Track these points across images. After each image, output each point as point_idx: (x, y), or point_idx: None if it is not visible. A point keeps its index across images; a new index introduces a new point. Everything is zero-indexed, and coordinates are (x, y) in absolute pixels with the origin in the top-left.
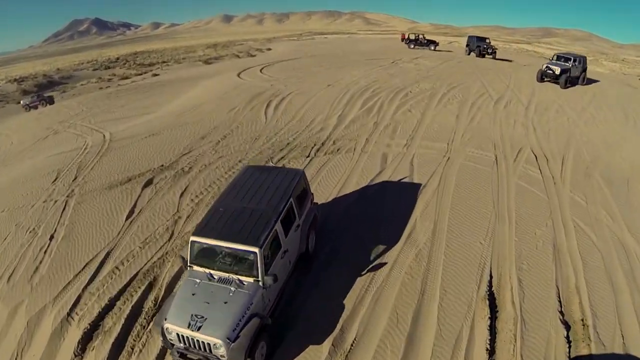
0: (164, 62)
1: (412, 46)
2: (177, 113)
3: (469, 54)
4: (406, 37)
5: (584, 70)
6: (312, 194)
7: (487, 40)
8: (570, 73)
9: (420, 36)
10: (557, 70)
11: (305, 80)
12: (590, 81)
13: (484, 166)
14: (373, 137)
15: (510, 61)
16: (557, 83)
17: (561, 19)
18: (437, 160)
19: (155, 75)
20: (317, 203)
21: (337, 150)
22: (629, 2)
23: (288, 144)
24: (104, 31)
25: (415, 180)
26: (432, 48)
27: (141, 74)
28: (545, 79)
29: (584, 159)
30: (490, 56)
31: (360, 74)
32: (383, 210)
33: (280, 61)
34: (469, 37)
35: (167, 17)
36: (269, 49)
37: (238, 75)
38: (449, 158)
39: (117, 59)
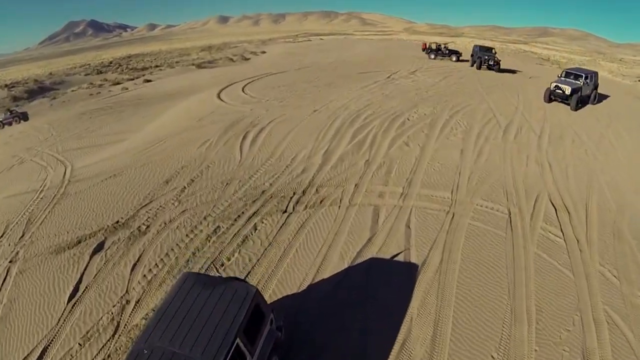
0: (156, 66)
1: (433, 57)
2: (145, 145)
3: (472, 65)
4: (427, 46)
5: (596, 87)
6: (273, 310)
7: (493, 51)
8: (582, 92)
9: (442, 46)
10: (567, 90)
11: (289, 103)
12: (601, 96)
13: (495, 229)
14: (363, 182)
15: (515, 72)
16: (567, 104)
17: (557, 19)
18: (439, 219)
19: (147, 81)
20: (274, 309)
21: (321, 202)
22: (624, 1)
23: (263, 192)
24: (100, 33)
25: (413, 256)
26: (454, 59)
27: (133, 79)
28: (554, 99)
29: (610, 207)
30: (494, 69)
31: (351, 95)
32: (370, 306)
33: (268, 75)
34: (474, 46)
35: (163, 18)
36: (264, 52)
37: (218, 95)
38: (453, 216)
39: (110, 62)
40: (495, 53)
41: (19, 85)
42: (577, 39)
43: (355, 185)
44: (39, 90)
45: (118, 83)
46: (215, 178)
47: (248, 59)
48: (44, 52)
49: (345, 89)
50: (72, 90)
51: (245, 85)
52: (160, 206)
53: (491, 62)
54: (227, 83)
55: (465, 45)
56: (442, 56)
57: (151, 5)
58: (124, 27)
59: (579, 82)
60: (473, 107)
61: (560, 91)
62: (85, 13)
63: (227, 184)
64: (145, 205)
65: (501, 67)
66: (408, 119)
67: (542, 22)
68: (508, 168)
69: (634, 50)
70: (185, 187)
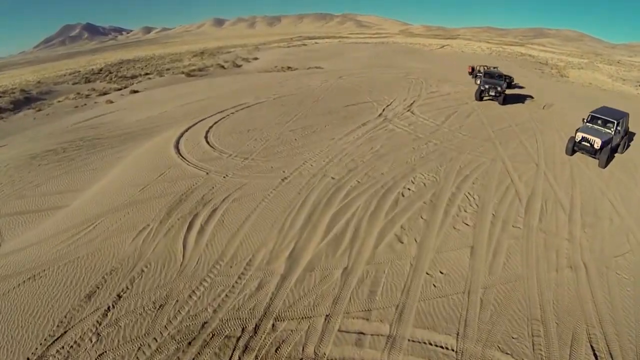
0: (146, 74)
1: (479, 82)
2: (77, 228)
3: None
4: (474, 70)
5: (626, 132)
6: None
7: (507, 80)
8: (612, 142)
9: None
10: (597, 143)
11: (254, 163)
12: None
13: None
14: (338, 312)
15: (524, 100)
16: (594, 156)
17: (552, 19)
18: None
19: (135, 91)
20: None
21: (276, 350)
22: (617, 2)
23: (204, 324)
24: (95, 36)
25: None
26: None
27: (120, 89)
28: (577, 150)
29: None
30: (497, 100)
31: (332, 150)
32: None
33: (242, 107)
34: (483, 70)
35: (159, 21)
36: (256, 58)
37: (177, 142)
38: None
39: (101, 70)
40: (505, 80)
41: (5, 95)
42: (572, 39)
43: (326, 317)
44: (25, 100)
45: (105, 93)
46: (148, 294)
47: (240, 65)
48: (40, 56)
49: (326, 138)
50: (59, 101)
51: (211, 127)
52: (75, 342)
53: (492, 93)
54: (196, 119)
55: (461, 48)
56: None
57: (147, 8)
58: (120, 30)
59: (609, 131)
60: (485, 167)
61: (588, 144)
62: (81, 16)
63: (160, 306)
64: (58, 338)
65: (507, 92)
66: (403, 195)
67: (537, 23)
68: (533, 279)
69: (630, 50)
70: (109, 308)
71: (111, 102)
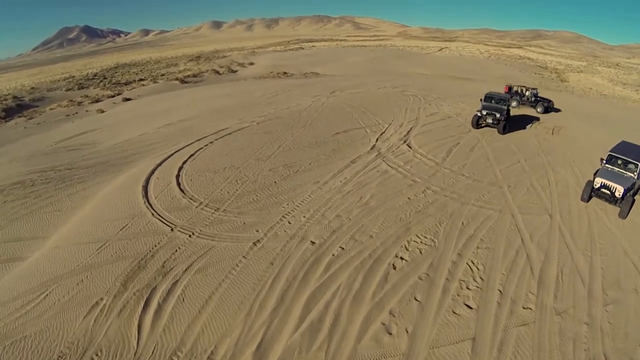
0: (140, 79)
1: (515, 104)
2: (28, 296)
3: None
4: (511, 90)
5: None
6: None
7: (545, 103)
8: (635, 187)
9: (529, 92)
10: (619, 192)
11: (225, 216)
12: None
13: None
14: None
15: (530, 125)
16: (612, 202)
17: (550, 21)
18: None
19: (127, 99)
20: None
21: None
22: (615, 3)
23: None
24: (93, 38)
25: None
26: (540, 110)
27: (113, 96)
28: (594, 196)
29: None
30: (496, 128)
31: (315, 202)
32: None
33: (223, 134)
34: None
35: (157, 23)
36: (252, 63)
37: (146, 182)
38: None
39: (96, 75)
40: (543, 104)
41: None
42: (570, 41)
43: None
44: (17, 108)
45: (98, 100)
46: None
47: (235, 71)
48: (38, 58)
49: (310, 181)
50: (51, 109)
51: (186, 161)
52: None
53: (490, 120)
54: (173, 148)
55: (460, 51)
56: (530, 104)
57: (145, 10)
58: (118, 33)
59: (631, 175)
60: (492, 223)
61: (608, 192)
62: (80, 19)
63: None
64: None
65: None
66: (394, 267)
67: (534, 24)
68: None
69: (628, 52)
70: None
71: (102, 111)
